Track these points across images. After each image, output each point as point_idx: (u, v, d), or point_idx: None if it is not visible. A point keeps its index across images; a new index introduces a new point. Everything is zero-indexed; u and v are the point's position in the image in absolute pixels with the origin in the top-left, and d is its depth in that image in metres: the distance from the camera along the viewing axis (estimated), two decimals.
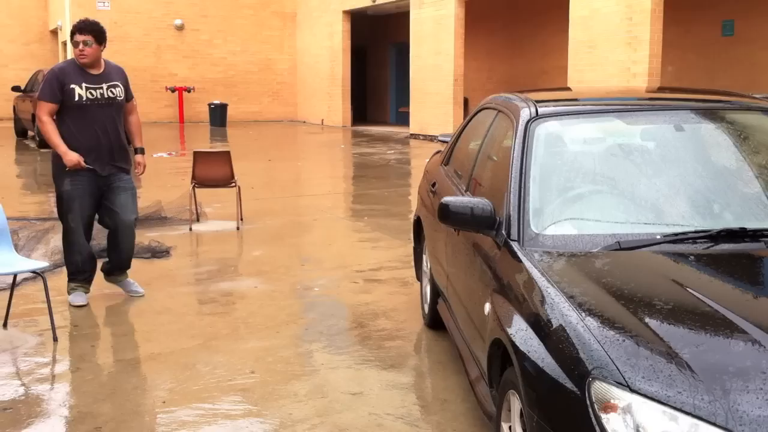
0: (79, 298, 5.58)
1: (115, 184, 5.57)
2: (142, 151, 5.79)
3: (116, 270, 5.83)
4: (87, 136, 5.42)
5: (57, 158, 5.45)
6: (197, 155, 8.69)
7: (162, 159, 15.48)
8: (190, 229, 8.35)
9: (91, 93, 5.40)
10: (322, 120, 25.91)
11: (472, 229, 3.40)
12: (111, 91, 5.49)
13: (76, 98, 5.36)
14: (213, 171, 8.56)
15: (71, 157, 5.34)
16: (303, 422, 3.77)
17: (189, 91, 25.85)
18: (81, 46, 5.37)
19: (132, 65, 25.44)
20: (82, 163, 5.37)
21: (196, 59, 26.57)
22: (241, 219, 8.68)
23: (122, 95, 5.57)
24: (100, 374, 4.41)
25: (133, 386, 4.25)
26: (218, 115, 24.33)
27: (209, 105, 24.70)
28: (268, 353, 4.69)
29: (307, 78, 27.35)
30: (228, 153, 8.78)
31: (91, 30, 5.42)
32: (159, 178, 12.73)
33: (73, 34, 5.42)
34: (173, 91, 25.78)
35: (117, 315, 5.42)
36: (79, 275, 5.62)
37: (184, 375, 4.36)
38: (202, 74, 26.54)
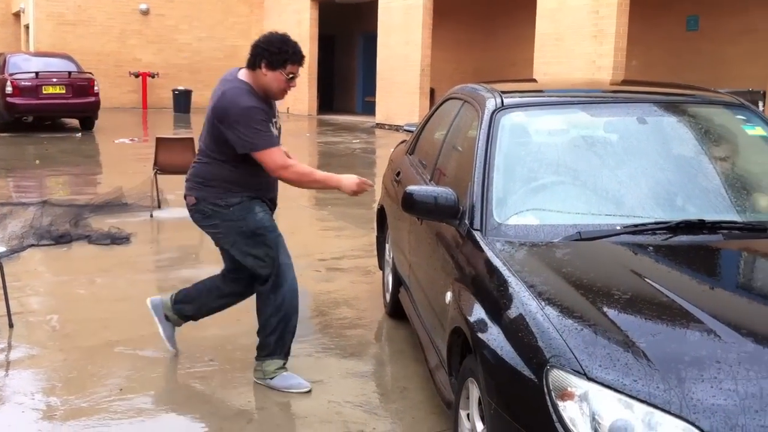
0: (294, 380, 4.06)
1: None
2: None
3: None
4: (261, 181, 4.12)
5: (227, 204, 4.13)
6: (160, 141, 8.58)
7: (124, 145, 15.26)
8: (151, 216, 8.25)
9: (275, 128, 4.07)
10: (288, 108, 25.75)
11: (436, 218, 3.40)
12: (279, 124, 4.19)
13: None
14: (176, 157, 8.44)
15: (352, 181, 4.01)
16: (262, 410, 3.75)
17: (153, 77, 25.49)
18: (294, 82, 4.00)
19: (95, 50, 25.13)
20: (368, 182, 4.04)
21: (161, 45, 26.21)
22: None
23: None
24: (56, 361, 4.33)
25: (90, 374, 4.18)
26: (182, 101, 24.03)
27: (173, 91, 24.38)
28: (228, 341, 4.65)
29: None
30: (191, 140, 8.66)
31: None
32: (120, 164, 12.57)
33: (288, 62, 3.90)
34: (137, 76, 25.40)
35: (75, 302, 5.33)
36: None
37: (142, 362, 4.31)
38: (167, 60, 26.19)
